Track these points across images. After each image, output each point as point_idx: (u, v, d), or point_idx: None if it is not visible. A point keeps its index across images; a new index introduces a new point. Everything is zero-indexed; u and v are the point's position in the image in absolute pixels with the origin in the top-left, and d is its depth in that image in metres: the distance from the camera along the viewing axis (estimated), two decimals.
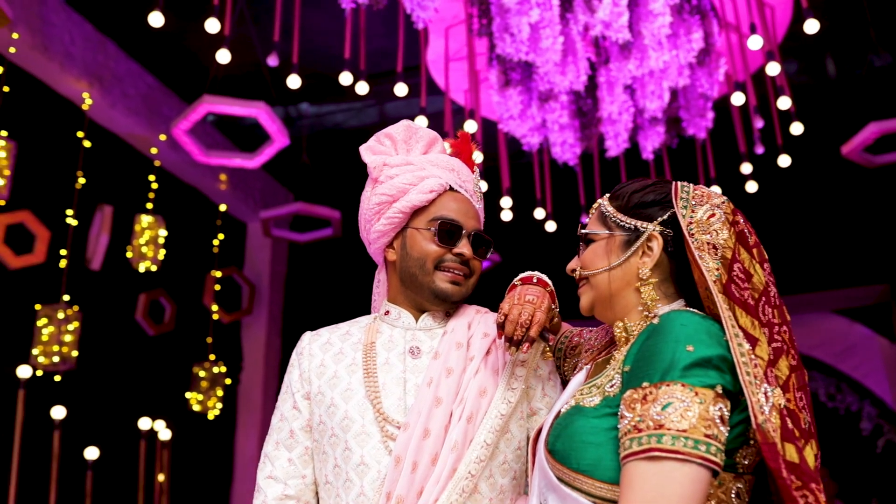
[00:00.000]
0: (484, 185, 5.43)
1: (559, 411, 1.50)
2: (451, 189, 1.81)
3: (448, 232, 1.76)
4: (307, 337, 1.85)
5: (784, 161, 5.37)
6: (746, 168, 5.45)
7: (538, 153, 6.01)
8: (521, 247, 6.76)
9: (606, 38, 4.78)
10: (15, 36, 5.09)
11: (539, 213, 6.07)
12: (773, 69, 4.52)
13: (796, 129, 4.98)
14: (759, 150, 5.40)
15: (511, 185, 5.86)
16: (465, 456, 1.60)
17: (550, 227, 6.23)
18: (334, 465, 1.67)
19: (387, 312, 1.84)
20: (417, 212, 1.79)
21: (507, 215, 6.01)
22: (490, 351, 1.74)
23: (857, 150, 5.47)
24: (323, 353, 1.79)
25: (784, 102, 4.82)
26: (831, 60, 6.83)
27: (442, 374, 1.67)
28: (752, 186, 5.57)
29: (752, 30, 4.33)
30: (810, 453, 1.38)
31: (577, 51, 4.72)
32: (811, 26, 4.18)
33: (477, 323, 1.79)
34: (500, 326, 1.64)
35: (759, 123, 5.22)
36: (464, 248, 1.77)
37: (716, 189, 5.52)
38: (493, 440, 1.62)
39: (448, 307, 1.82)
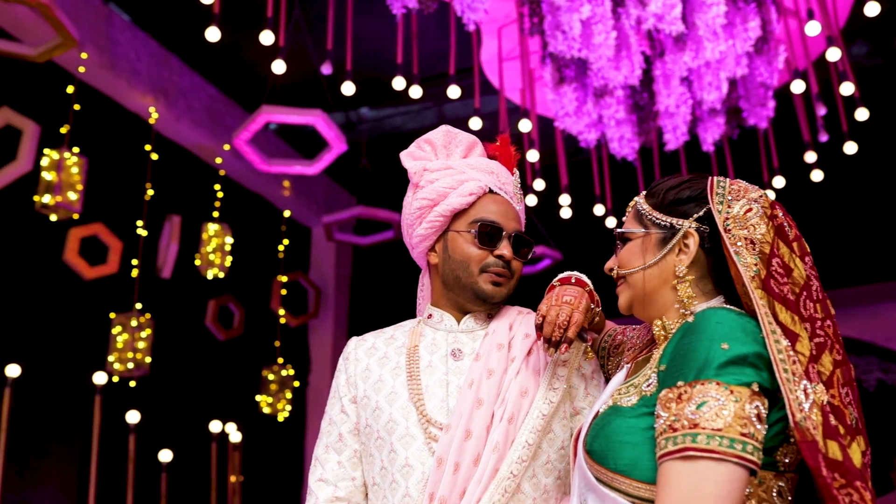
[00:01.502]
0: (541, 184, 5.50)
1: (598, 411, 1.50)
2: (491, 191, 1.83)
3: (488, 234, 1.77)
4: (353, 342, 1.89)
5: (850, 148, 5.21)
6: (811, 157, 5.30)
7: (596, 149, 5.95)
8: (582, 244, 6.70)
9: (660, 31, 4.72)
10: (84, 56, 5.30)
11: (599, 210, 6.02)
12: (833, 55, 4.39)
13: (861, 114, 4.83)
14: (824, 137, 5.25)
15: (569, 182, 5.82)
16: (506, 456, 1.61)
17: (611, 223, 6.16)
18: (381, 466, 1.70)
19: (429, 316, 1.86)
20: (458, 215, 1.81)
21: (566, 213, 5.97)
22: (531, 351, 1.74)
23: None
24: (368, 358, 1.83)
25: (847, 88, 4.67)
26: None
27: (483, 376, 1.68)
28: (817, 175, 5.41)
29: (810, 15, 4.21)
30: (857, 450, 1.34)
31: (630, 45, 4.67)
32: (872, 9, 4.06)
33: (518, 324, 1.80)
34: (539, 328, 1.65)
35: (822, 110, 5.07)
36: (504, 249, 1.77)
37: (779, 180, 5.45)
38: (534, 440, 1.63)
39: (489, 308, 1.83)
